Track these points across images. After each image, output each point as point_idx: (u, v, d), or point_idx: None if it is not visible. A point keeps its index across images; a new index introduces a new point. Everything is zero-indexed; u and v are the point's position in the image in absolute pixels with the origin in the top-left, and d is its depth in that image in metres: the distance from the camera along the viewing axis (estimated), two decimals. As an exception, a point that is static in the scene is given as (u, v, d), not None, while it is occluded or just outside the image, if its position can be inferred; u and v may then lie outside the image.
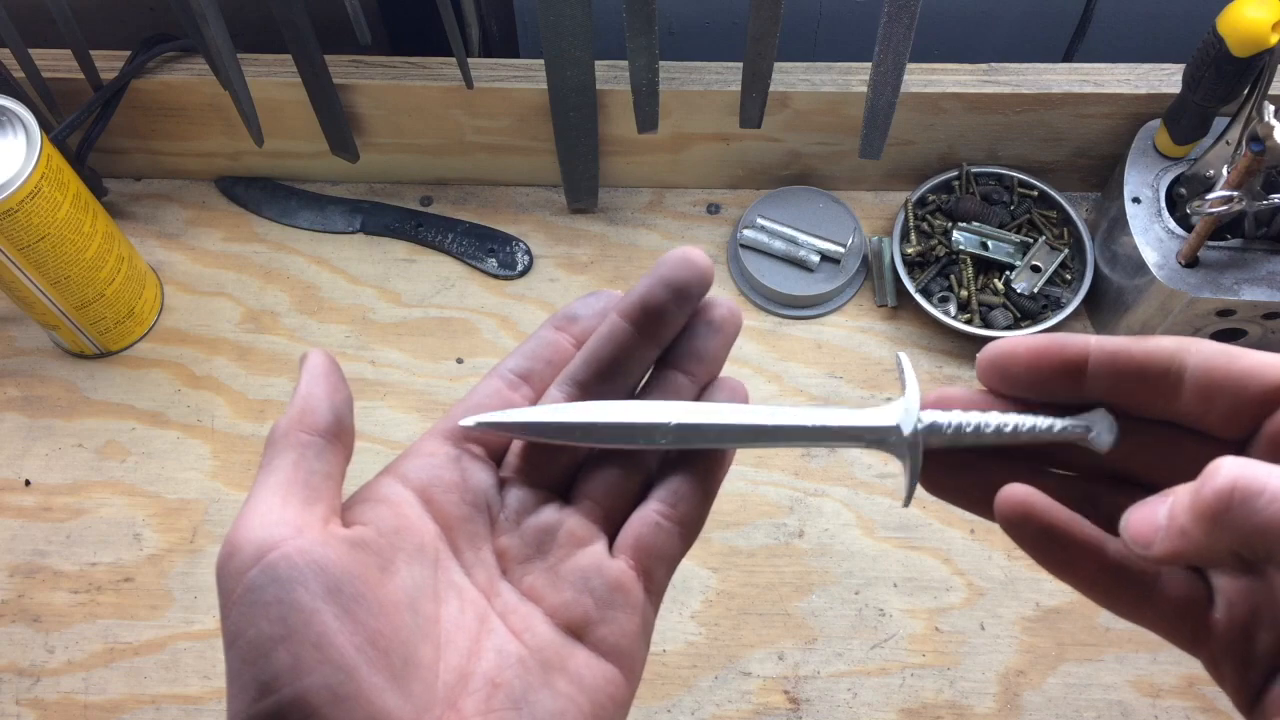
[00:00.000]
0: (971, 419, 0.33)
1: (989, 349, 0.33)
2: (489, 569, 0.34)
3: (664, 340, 0.35)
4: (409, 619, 0.30)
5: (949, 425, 0.33)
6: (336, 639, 0.28)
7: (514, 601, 0.33)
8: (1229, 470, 0.26)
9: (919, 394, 0.33)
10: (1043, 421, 0.33)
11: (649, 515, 0.34)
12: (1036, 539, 0.31)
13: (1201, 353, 0.30)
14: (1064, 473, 0.35)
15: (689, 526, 0.35)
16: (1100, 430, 0.32)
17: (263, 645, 0.28)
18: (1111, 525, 0.31)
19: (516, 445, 0.36)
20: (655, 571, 0.34)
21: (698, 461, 0.35)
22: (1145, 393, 0.31)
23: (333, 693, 0.28)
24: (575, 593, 0.33)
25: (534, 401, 0.36)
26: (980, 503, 0.33)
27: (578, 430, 0.34)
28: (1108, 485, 0.34)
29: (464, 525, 0.34)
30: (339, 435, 0.33)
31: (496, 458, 0.36)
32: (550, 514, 0.35)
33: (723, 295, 0.36)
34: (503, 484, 0.35)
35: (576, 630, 0.33)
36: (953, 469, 0.34)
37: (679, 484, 0.35)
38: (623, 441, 0.34)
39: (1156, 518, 0.28)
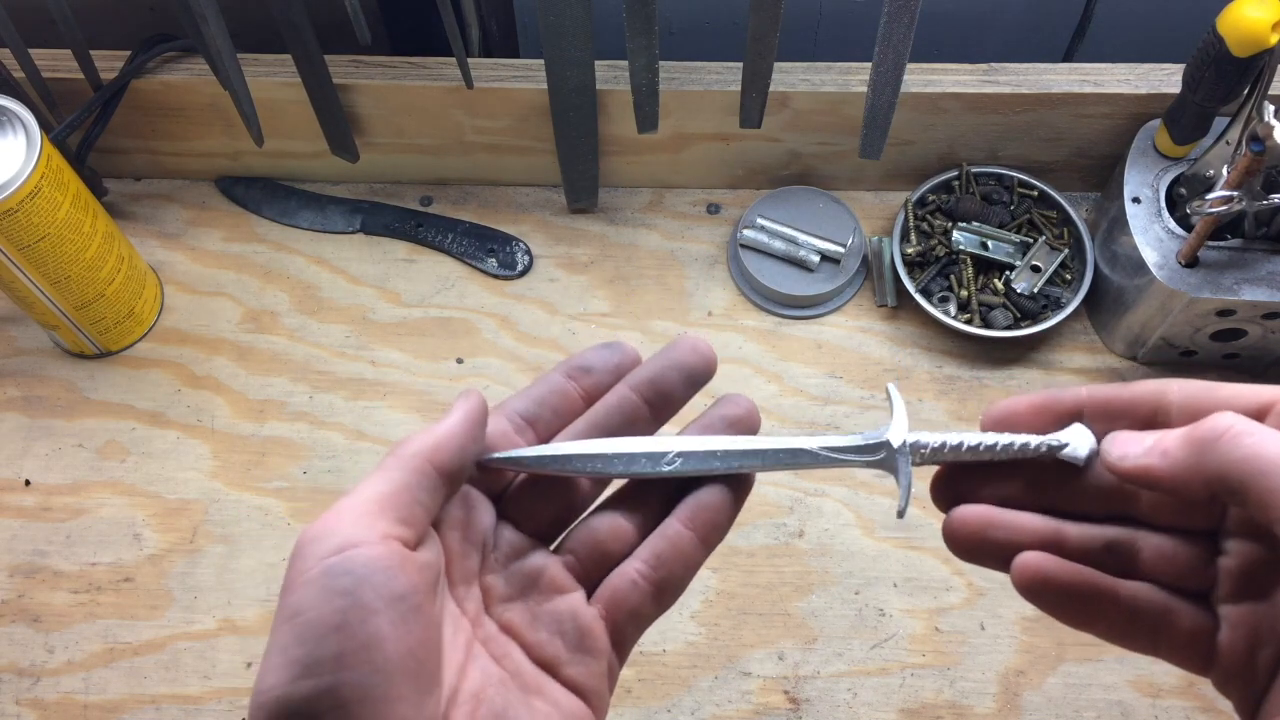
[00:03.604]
0: (953, 438, 0.36)
1: (991, 410, 0.37)
2: (476, 602, 0.36)
3: (666, 418, 0.38)
4: (440, 637, 0.33)
5: (933, 443, 0.36)
6: (385, 644, 0.30)
7: (494, 633, 0.36)
8: (1228, 414, 0.31)
9: (906, 417, 0.37)
10: (1020, 439, 0.35)
11: (628, 572, 0.36)
12: (1055, 602, 0.35)
13: (1183, 389, 0.33)
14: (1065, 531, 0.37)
15: (666, 590, 0.36)
16: (1076, 443, 0.35)
17: (318, 629, 0.29)
18: (1130, 567, 0.35)
19: (515, 490, 0.38)
20: (624, 627, 0.36)
21: (688, 528, 0.37)
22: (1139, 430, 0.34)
23: (365, 693, 0.29)
24: (549, 634, 0.35)
25: None
26: (999, 560, 0.36)
27: (587, 460, 0.36)
28: (1125, 529, 0.36)
29: (461, 561, 0.35)
30: (454, 480, 0.34)
31: (495, 497, 0.37)
32: (536, 560, 0.37)
33: (744, 395, 0.38)
34: (498, 527, 0.37)
35: (548, 667, 0.35)
36: (979, 531, 0.36)
37: (664, 547, 0.36)
38: (630, 465, 0.36)
39: (1142, 439, 0.33)
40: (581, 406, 0.38)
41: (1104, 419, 0.35)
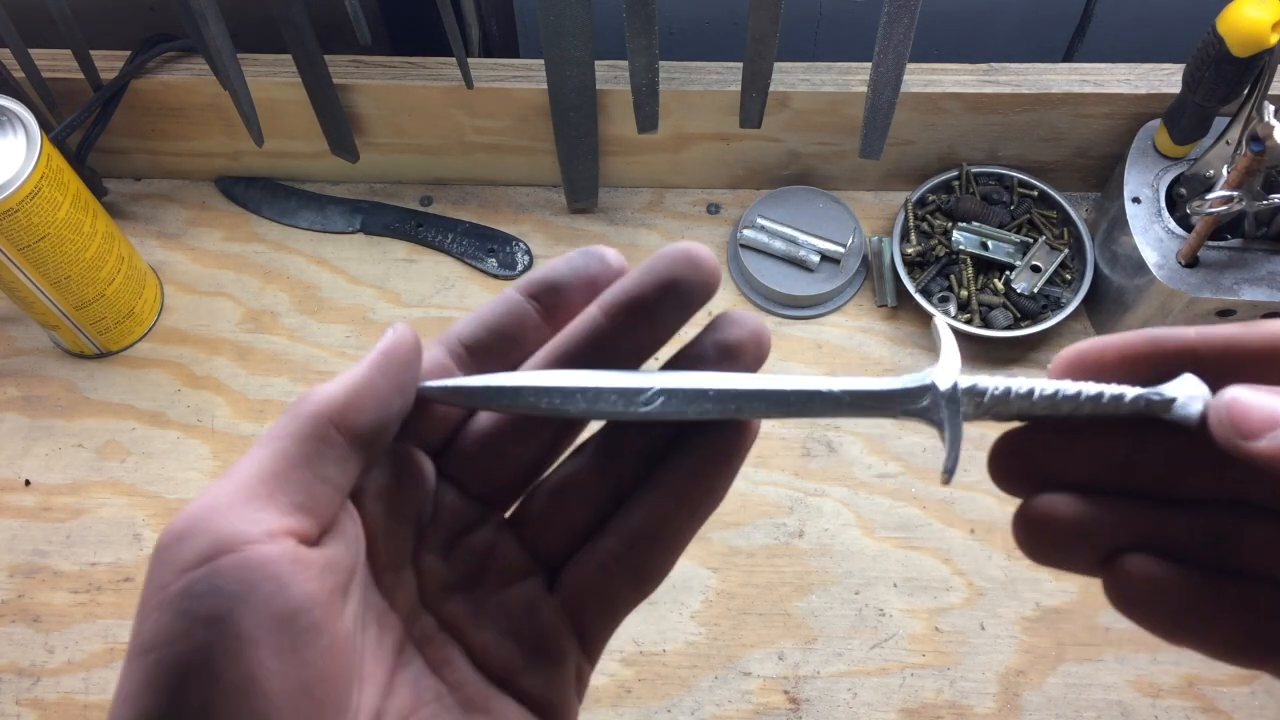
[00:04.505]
0: (1020, 384, 0.27)
1: (1070, 351, 0.27)
2: (409, 591, 0.29)
3: (651, 348, 0.29)
4: (351, 657, 0.26)
5: (994, 389, 0.27)
6: (267, 684, 0.23)
7: (433, 630, 0.29)
8: None
9: (957, 356, 0.28)
10: (1111, 390, 0.27)
11: (598, 555, 0.29)
12: (1163, 618, 0.27)
13: None
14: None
15: (645, 574, 0.29)
16: (1186, 399, 0.26)
17: (177, 670, 0.23)
18: (1238, 560, 0.27)
19: (460, 442, 0.30)
20: (593, 621, 0.29)
21: (674, 495, 0.29)
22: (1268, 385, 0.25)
23: None
24: (499, 634, 0.29)
25: None
26: (1093, 564, 0.27)
27: (543, 393, 0.28)
28: (1236, 515, 0.27)
29: (389, 539, 0.28)
30: (370, 447, 0.26)
31: (435, 452, 0.29)
32: (485, 535, 0.29)
33: (749, 313, 0.29)
34: (438, 490, 0.29)
35: (499, 677, 0.29)
36: (1075, 529, 0.27)
37: (642, 521, 0.29)
38: (596, 403, 0.28)
39: (1275, 406, 0.24)
40: (545, 334, 0.29)
41: (1219, 373, 0.26)
